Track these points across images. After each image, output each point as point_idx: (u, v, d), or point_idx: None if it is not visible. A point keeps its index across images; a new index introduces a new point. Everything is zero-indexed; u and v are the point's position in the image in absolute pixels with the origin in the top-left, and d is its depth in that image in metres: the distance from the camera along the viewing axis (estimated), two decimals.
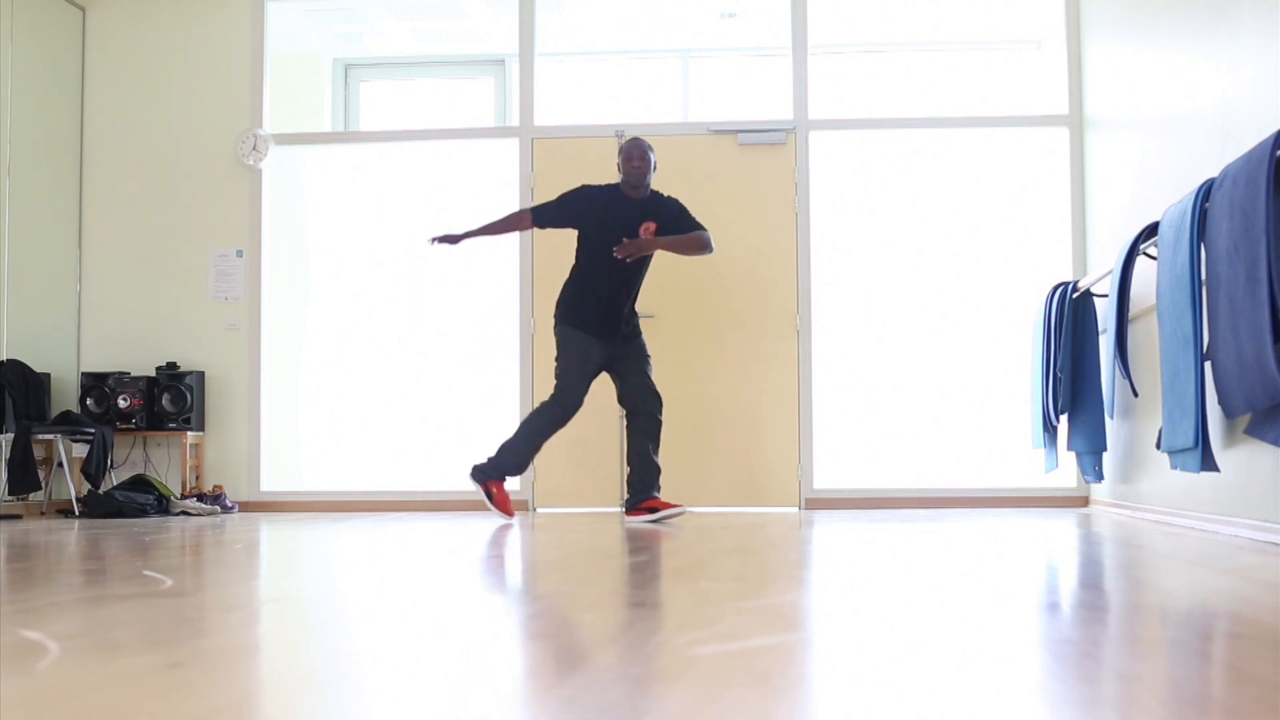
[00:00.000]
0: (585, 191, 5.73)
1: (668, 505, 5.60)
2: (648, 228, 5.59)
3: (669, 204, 5.74)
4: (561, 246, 6.47)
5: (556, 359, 5.69)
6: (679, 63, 7.62)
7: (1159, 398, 4.46)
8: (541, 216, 5.77)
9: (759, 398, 6.68)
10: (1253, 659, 1.62)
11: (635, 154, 5.66)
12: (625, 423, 5.74)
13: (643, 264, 5.66)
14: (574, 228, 5.72)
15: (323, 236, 7.16)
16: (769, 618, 2.04)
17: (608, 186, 5.74)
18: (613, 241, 5.54)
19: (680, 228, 5.67)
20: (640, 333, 5.77)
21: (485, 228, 5.80)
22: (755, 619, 2.02)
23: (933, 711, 1.27)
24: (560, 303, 5.70)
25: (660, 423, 5.70)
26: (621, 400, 5.72)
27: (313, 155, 7.21)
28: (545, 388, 6.73)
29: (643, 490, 5.62)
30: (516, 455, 5.66)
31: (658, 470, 5.65)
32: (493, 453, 5.70)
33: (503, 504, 5.69)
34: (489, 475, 5.68)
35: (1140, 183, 5.39)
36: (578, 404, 5.63)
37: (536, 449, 5.69)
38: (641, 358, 5.71)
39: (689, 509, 6.39)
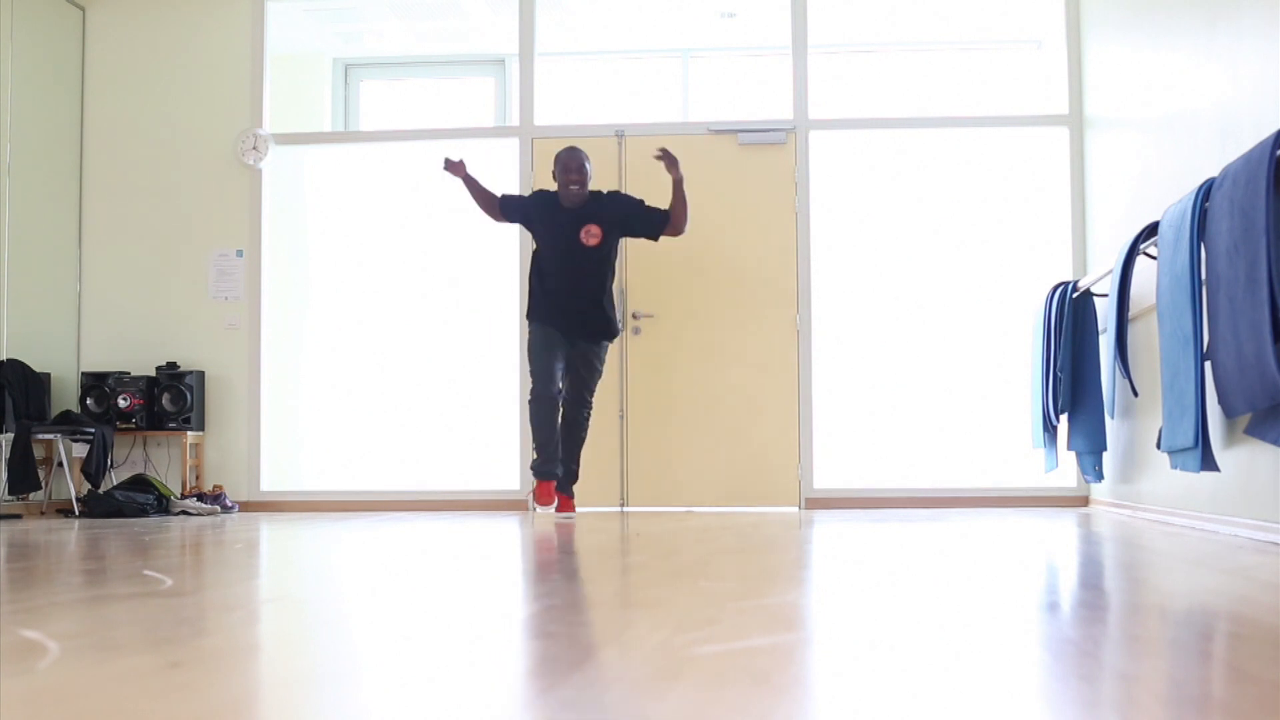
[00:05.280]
0: (538, 194, 5.91)
1: (567, 507, 5.88)
2: (589, 230, 5.65)
3: (611, 200, 5.80)
4: None
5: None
6: (679, 63, 7.62)
7: (1159, 397, 4.46)
8: (506, 207, 5.91)
9: (759, 398, 6.68)
10: (1253, 659, 1.62)
11: (573, 168, 5.68)
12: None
13: (598, 263, 5.69)
14: (526, 227, 5.95)
15: (323, 236, 7.16)
16: (769, 618, 2.04)
17: (544, 193, 5.88)
18: (556, 247, 5.67)
19: (637, 211, 5.73)
20: (604, 339, 5.79)
21: (475, 186, 5.86)
22: (755, 619, 2.02)
23: (933, 711, 1.27)
24: (529, 303, 5.85)
25: (580, 427, 5.83)
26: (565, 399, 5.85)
27: (313, 155, 7.21)
28: None
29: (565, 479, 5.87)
30: (540, 452, 5.76)
31: (572, 474, 5.87)
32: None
33: (543, 496, 5.80)
34: (537, 476, 5.83)
35: (1140, 183, 5.39)
36: (550, 382, 5.65)
37: (550, 440, 5.72)
38: (591, 369, 5.79)
39: (696, 509, 6.40)
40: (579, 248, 5.66)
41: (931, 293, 6.72)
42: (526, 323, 5.89)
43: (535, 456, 5.82)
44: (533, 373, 5.74)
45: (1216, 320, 3.67)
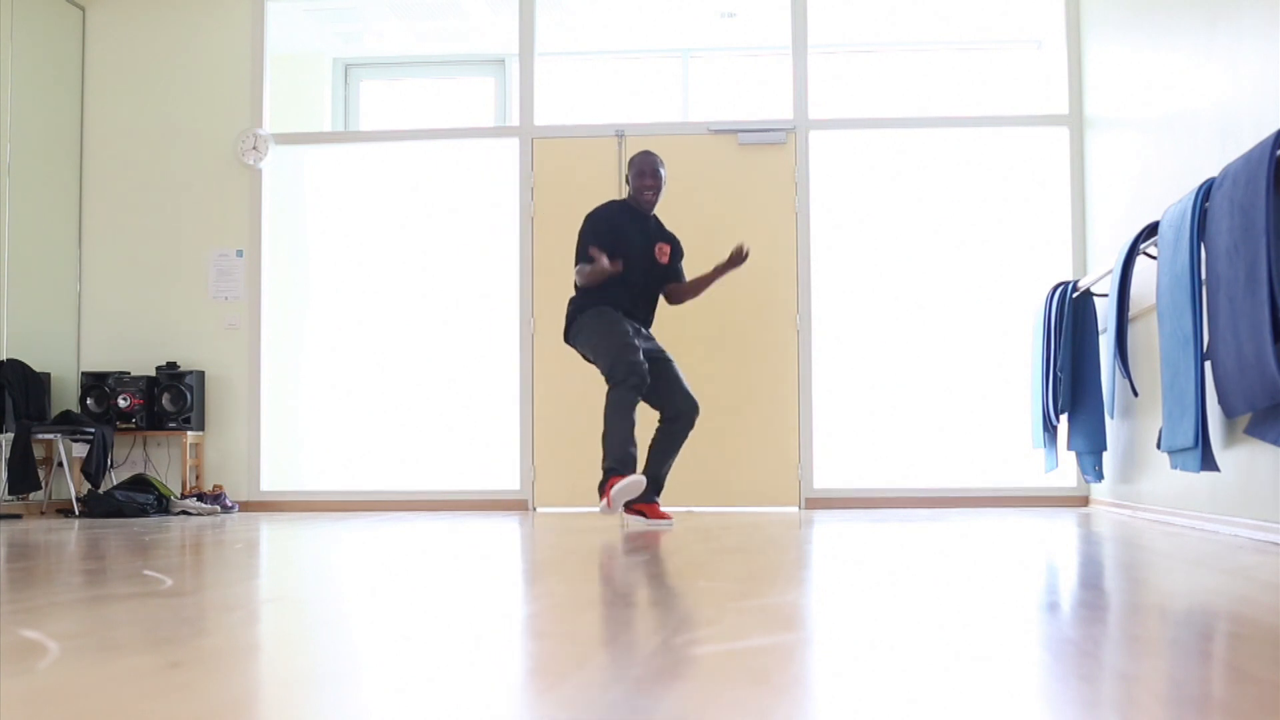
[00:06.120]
0: (603, 215, 5.26)
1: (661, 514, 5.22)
2: (662, 249, 5.24)
3: (670, 234, 5.39)
4: (560, 248, 6.47)
5: (589, 355, 5.13)
6: (679, 63, 7.62)
7: (1159, 397, 4.46)
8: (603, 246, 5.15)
9: (759, 398, 6.68)
10: (1253, 659, 1.62)
11: (648, 172, 5.24)
12: (661, 424, 5.22)
13: (661, 280, 5.28)
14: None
15: (323, 236, 7.16)
16: (769, 618, 2.04)
17: (616, 204, 5.33)
18: (629, 257, 5.13)
19: (678, 255, 5.36)
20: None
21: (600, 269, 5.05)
22: (755, 619, 2.02)
23: (932, 711, 1.27)
24: (578, 304, 5.19)
25: (683, 440, 5.24)
26: (664, 404, 5.21)
27: (313, 155, 7.21)
28: (545, 387, 6.74)
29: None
30: (620, 459, 4.94)
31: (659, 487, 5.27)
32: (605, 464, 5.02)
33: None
34: (612, 475, 4.96)
35: (1140, 183, 5.39)
36: (638, 361, 4.96)
37: (629, 439, 4.94)
38: (671, 361, 5.23)
39: (696, 509, 6.41)
40: (653, 263, 5.24)
41: (931, 293, 6.72)
42: (577, 314, 5.16)
43: (609, 457, 4.94)
44: (611, 353, 4.96)
45: (1216, 320, 3.67)
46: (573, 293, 5.30)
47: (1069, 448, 5.77)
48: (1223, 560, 3.14)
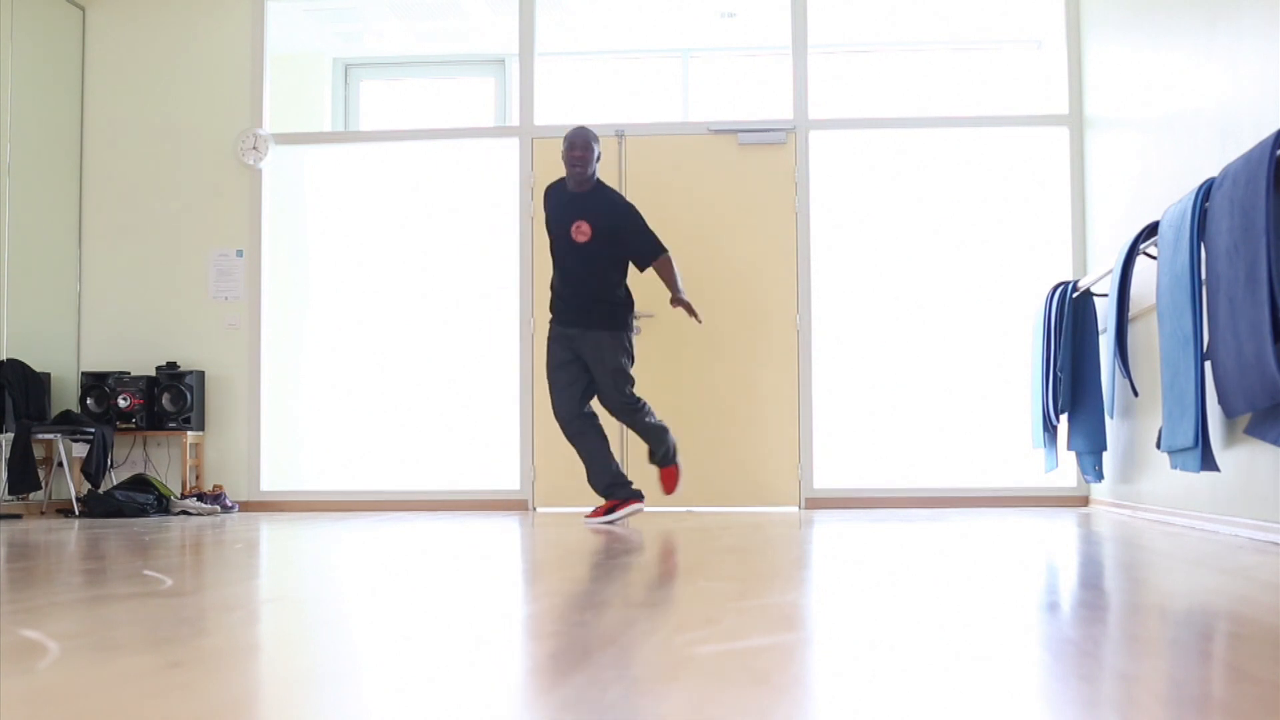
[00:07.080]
0: (546, 193, 5.67)
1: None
2: (579, 227, 5.38)
3: (613, 204, 5.48)
4: None
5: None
6: (679, 63, 7.62)
7: (1159, 397, 4.46)
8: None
9: (759, 398, 6.68)
10: (1253, 659, 1.62)
11: (578, 144, 5.41)
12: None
13: (590, 260, 5.40)
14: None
15: (323, 236, 7.16)
16: (769, 618, 2.04)
17: (558, 181, 5.62)
18: (559, 238, 5.50)
19: (629, 226, 5.43)
20: (601, 328, 5.46)
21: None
22: (755, 619, 2.02)
23: (933, 711, 1.27)
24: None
25: (641, 428, 5.60)
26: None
27: (313, 155, 7.21)
28: (545, 387, 6.73)
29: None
30: (596, 477, 5.57)
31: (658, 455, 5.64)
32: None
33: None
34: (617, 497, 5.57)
35: (1140, 183, 5.39)
36: (566, 403, 5.54)
37: (596, 455, 5.56)
38: (604, 367, 5.46)
39: (696, 509, 6.40)
40: (572, 243, 5.43)
41: (931, 293, 6.72)
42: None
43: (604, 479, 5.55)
44: (550, 391, 5.65)
45: (1216, 320, 3.68)
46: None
47: (1069, 448, 5.77)
48: (1223, 560, 3.14)
